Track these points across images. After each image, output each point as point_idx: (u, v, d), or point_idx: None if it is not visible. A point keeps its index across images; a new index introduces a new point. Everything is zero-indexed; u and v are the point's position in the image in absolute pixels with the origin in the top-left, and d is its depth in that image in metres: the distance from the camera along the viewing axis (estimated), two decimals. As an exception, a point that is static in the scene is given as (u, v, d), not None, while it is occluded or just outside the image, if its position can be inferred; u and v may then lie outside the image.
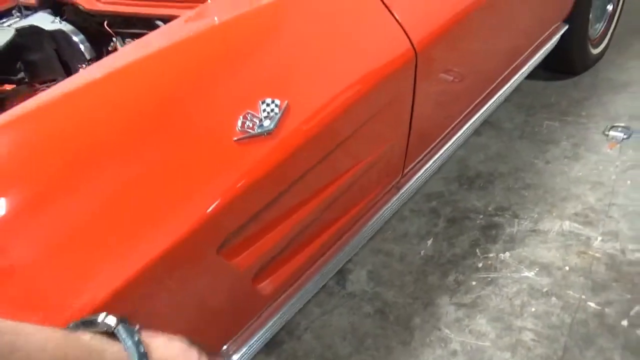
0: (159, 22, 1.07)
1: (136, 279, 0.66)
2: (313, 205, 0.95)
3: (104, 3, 1.20)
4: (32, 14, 1.48)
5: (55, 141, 0.72)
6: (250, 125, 0.76)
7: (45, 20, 1.28)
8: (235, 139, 0.75)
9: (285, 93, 0.81)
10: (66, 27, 1.22)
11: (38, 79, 1.37)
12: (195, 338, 0.77)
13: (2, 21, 1.62)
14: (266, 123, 0.77)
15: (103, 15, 1.20)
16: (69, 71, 1.30)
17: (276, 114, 0.79)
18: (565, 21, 1.83)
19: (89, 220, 0.67)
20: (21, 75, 1.35)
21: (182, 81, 0.79)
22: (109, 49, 1.22)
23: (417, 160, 1.31)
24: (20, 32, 1.26)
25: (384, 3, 1.02)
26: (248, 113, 0.77)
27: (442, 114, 1.33)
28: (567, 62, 2.05)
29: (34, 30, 1.26)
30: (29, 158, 0.71)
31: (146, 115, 0.74)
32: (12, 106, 1.26)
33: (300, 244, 1.01)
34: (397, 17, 1.02)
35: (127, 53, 0.92)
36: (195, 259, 0.74)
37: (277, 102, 0.79)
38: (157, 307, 0.77)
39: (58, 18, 1.26)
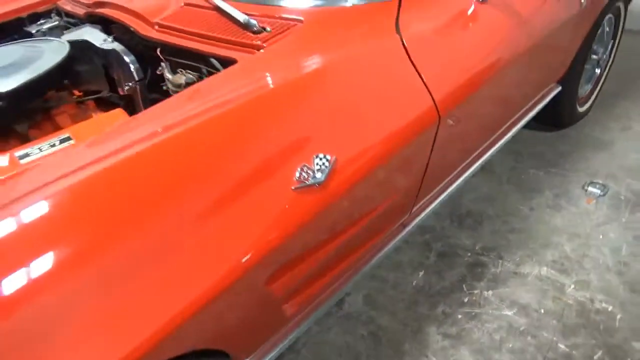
0: (213, 60, 1.18)
1: (201, 311, 0.77)
2: (338, 241, 1.08)
3: (159, 32, 1.29)
4: (78, 24, 1.56)
5: (131, 186, 0.82)
6: (306, 176, 0.88)
7: (96, 37, 1.36)
8: (293, 188, 0.87)
9: (333, 149, 0.94)
10: (118, 47, 1.31)
11: (80, 88, 1.46)
12: (223, 349, 0.89)
13: (40, 22, 1.70)
14: (318, 175, 0.90)
15: (156, 42, 1.29)
16: (113, 86, 1.39)
17: (326, 167, 0.91)
18: (559, 82, 2.03)
19: (165, 255, 0.77)
20: (65, 82, 1.43)
21: (250, 136, 0.90)
22: (157, 73, 1.31)
23: (423, 201, 1.46)
24: (72, 44, 1.34)
25: (418, 73, 1.16)
26: (304, 166, 0.89)
27: (452, 161, 1.48)
28: (556, 117, 2.24)
29: (86, 45, 1.35)
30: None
31: (218, 164, 0.85)
32: (56, 114, 1.34)
33: (320, 273, 1.14)
34: (427, 85, 1.17)
35: (194, 101, 1.00)
36: (248, 290, 0.86)
37: (328, 157, 0.92)
38: (203, 325, 0.88)
39: (111, 37, 1.34)
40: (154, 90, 1.35)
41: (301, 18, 1.19)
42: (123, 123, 1.04)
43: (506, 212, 1.90)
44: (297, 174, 0.88)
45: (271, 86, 1.00)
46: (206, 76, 1.22)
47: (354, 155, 0.98)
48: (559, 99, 2.05)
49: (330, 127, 0.98)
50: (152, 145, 0.86)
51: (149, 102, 1.33)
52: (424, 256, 1.76)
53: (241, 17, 1.20)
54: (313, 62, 1.08)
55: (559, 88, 2.02)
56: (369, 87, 1.09)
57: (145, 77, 1.33)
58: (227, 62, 1.14)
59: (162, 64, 1.31)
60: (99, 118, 1.30)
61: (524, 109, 1.83)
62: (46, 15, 1.72)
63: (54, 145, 1.15)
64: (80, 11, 1.57)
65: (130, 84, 1.32)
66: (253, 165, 0.88)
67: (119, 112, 1.29)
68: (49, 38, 1.38)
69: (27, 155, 1.12)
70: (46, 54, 1.27)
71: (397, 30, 1.20)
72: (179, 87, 1.22)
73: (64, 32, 1.49)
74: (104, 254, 0.74)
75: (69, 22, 1.62)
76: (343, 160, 0.95)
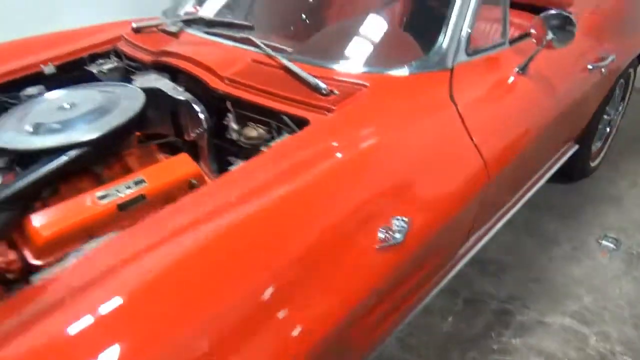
0: (285, 118, 1.27)
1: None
2: (404, 288, 1.17)
3: (229, 86, 1.39)
4: (140, 68, 1.65)
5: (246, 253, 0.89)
6: (388, 237, 0.97)
7: (167, 86, 1.45)
8: (377, 247, 0.96)
9: (407, 210, 1.04)
10: (189, 96, 1.40)
11: (147, 131, 1.53)
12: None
13: (99, 62, 1.79)
14: (397, 236, 0.99)
15: (226, 95, 1.38)
16: (180, 132, 1.48)
17: (404, 228, 1.00)
18: (576, 141, 2.17)
19: (262, 314, 0.84)
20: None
21: (337, 199, 0.99)
22: (224, 123, 1.40)
23: (460, 252, 1.55)
24: (144, 91, 1.42)
25: (470, 138, 1.27)
26: (386, 227, 0.98)
27: (487, 217, 1.59)
28: (570, 171, 2.38)
29: (157, 92, 1.43)
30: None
31: (309, 226, 0.94)
32: (125, 155, 1.41)
33: (385, 318, 1.21)
34: (478, 149, 1.28)
35: (280, 162, 1.07)
36: (337, 337, 0.93)
37: (405, 219, 1.01)
38: None
39: (183, 88, 1.43)
40: (216, 137, 1.43)
41: (367, 83, 1.30)
42: (213, 185, 1.10)
43: (526, 261, 2.01)
44: (381, 235, 0.97)
45: (349, 150, 1.10)
46: (275, 131, 1.31)
47: (424, 216, 1.08)
48: (575, 155, 2.19)
49: (404, 189, 1.08)
50: (253, 210, 0.94)
51: (213, 148, 1.41)
52: (452, 302, 1.84)
53: (310, 79, 1.30)
54: (384, 127, 1.18)
55: (576, 146, 2.16)
56: (433, 152, 1.20)
57: (215, 126, 1.41)
58: (299, 121, 1.23)
59: (229, 115, 1.40)
60: (168, 162, 1.37)
61: (547, 166, 1.96)
62: (105, 55, 1.81)
63: (129, 187, 1.22)
64: (142, 55, 1.66)
65: (198, 130, 1.40)
66: (340, 226, 0.96)
67: (185, 157, 1.37)
68: (123, 84, 1.46)
69: (106, 196, 1.19)
70: (124, 100, 1.34)
71: (452, 99, 1.31)
72: (250, 139, 1.31)
73: (131, 76, 1.57)
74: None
75: (130, 66, 1.71)
76: (416, 220, 1.05)
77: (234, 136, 1.39)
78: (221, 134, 1.43)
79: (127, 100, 1.35)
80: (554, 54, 1.56)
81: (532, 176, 1.83)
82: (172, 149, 1.51)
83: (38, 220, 1.12)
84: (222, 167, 1.42)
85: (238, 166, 1.09)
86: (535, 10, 2.10)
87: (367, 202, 1.01)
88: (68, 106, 1.31)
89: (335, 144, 1.11)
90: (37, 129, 1.25)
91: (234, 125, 1.39)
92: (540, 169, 1.89)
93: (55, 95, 1.43)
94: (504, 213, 1.74)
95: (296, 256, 0.90)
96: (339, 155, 1.09)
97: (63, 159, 1.18)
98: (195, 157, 1.40)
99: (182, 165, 1.32)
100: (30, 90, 1.58)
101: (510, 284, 1.91)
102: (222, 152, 1.43)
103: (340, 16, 1.85)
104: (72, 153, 1.19)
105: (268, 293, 0.85)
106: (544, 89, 1.61)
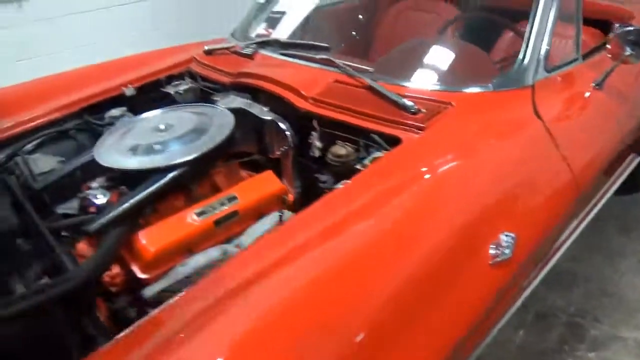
0: (375, 136, 1.30)
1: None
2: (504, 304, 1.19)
3: (313, 105, 1.43)
4: (218, 89, 1.71)
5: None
6: (499, 252, 1.00)
7: (253, 106, 1.50)
8: (491, 262, 0.99)
9: (513, 227, 1.06)
10: (275, 116, 1.45)
11: (232, 150, 1.58)
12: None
13: (175, 83, 1.85)
14: (507, 251, 1.01)
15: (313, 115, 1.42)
16: (263, 149, 1.53)
17: (512, 243, 1.03)
18: (637, 153, 2.16)
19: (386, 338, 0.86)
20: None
21: (446, 216, 1.02)
22: (309, 142, 1.44)
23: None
24: (231, 111, 1.47)
25: (560, 152, 1.29)
26: (496, 243, 1.01)
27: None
28: (632, 182, 2.36)
29: (243, 112, 1.49)
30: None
31: (424, 245, 0.97)
32: (214, 173, 1.46)
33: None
34: (568, 163, 1.30)
35: (385, 180, 1.10)
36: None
37: (512, 234, 1.04)
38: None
39: (268, 109, 1.48)
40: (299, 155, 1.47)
41: (452, 102, 1.33)
42: (318, 206, 1.08)
43: (594, 274, 2.00)
44: (492, 251, 0.99)
45: (448, 168, 1.13)
46: (363, 149, 1.34)
47: (528, 230, 1.10)
48: (638, 166, 2.18)
49: (507, 205, 1.10)
50: (360, 237, 0.95)
51: (297, 165, 1.45)
52: (522, 316, 1.84)
53: (398, 98, 1.34)
54: (478, 144, 1.21)
55: (639, 158, 2.15)
56: (527, 167, 1.22)
57: (300, 144, 1.45)
58: (390, 140, 1.27)
59: (313, 133, 1.44)
60: (255, 179, 1.42)
61: (614, 178, 1.96)
62: (179, 77, 1.88)
63: (223, 204, 1.27)
64: (218, 77, 1.72)
65: (283, 148, 1.45)
66: (451, 247, 0.98)
67: (270, 174, 1.41)
68: (212, 105, 1.51)
69: (203, 213, 1.24)
70: (216, 121, 1.40)
71: (537, 115, 1.34)
72: (339, 157, 1.34)
73: (212, 97, 1.63)
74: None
75: (207, 87, 1.77)
76: (521, 235, 1.07)
77: (317, 153, 1.43)
78: (302, 152, 1.47)
79: (219, 121, 1.40)
80: (623, 67, 1.57)
81: (604, 187, 1.83)
82: (252, 166, 1.57)
83: (145, 236, 1.17)
84: (304, 183, 1.47)
85: (343, 186, 1.12)
86: (594, 23, 2.12)
87: (473, 220, 1.04)
88: (164, 127, 1.37)
89: (434, 161, 1.14)
90: (139, 150, 1.31)
91: (318, 143, 1.43)
92: (611, 179, 1.88)
93: (150, 116, 1.50)
94: (577, 225, 1.74)
95: (409, 281, 0.92)
96: (438, 173, 1.12)
97: (166, 179, 1.24)
98: (278, 174, 1.45)
99: (268, 182, 1.37)
100: (114, 112, 1.65)
101: (580, 297, 1.90)
102: (305, 169, 1.47)
103: (413, 35, 1.90)
104: (174, 173, 1.25)
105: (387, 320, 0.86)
106: (618, 102, 1.62)
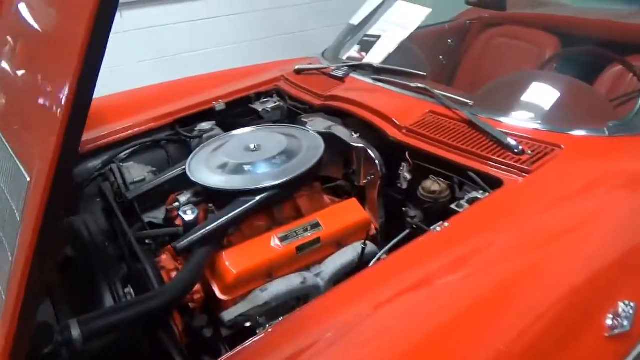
0: (473, 175, 1.22)
1: None
2: None
3: (406, 136, 1.37)
4: (306, 110, 1.69)
5: None
6: (616, 324, 0.89)
7: (342, 132, 1.46)
8: (606, 334, 0.88)
9: (633, 295, 0.94)
10: (364, 143, 1.40)
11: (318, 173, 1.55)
12: None
13: (263, 100, 1.87)
14: (625, 323, 0.90)
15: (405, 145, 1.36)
16: (348, 176, 1.49)
17: (631, 314, 0.91)
18: None
19: None
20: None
21: (558, 289, 0.92)
22: (398, 173, 1.38)
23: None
24: (321, 135, 1.45)
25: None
26: (614, 313, 0.90)
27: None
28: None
29: (332, 136, 1.45)
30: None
31: (537, 303, 0.88)
32: (297, 197, 1.43)
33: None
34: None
35: (486, 229, 1.03)
36: None
37: (632, 304, 0.92)
38: None
39: (357, 135, 1.44)
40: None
41: (561, 144, 1.23)
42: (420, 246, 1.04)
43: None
44: (610, 322, 0.89)
45: (562, 220, 1.03)
46: (457, 186, 1.27)
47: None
48: None
49: (626, 267, 0.99)
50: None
51: (383, 195, 1.40)
52: None
53: (501, 136, 1.25)
54: (591, 195, 1.10)
55: None
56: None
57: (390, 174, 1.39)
58: (490, 180, 1.18)
59: (403, 164, 1.38)
60: (339, 207, 1.37)
61: None
62: (267, 94, 1.89)
63: (307, 230, 1.25)
64: (308, 97, 1.70)
65: (370, 177, 1.40)
66: (561, 316, 0.88)
67: (354, 203, 1.37)
68: (303, 128, 1.50)
69: (286, 237, 1.22)
70: (305, 145, 1.38)
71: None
72: (431, 193, 1.27)
73: (301, 118, 1.61)
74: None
75: (295, 106, 1.76)
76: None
77: (404, 185, 1.37)
78: (389, 182, 1.42)
79: (309, 144, 1.38)
80: None
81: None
82: (334, 191, 1.53)
83: (229, 258, 1.16)
84: (387, 215, 1.41)
85: (440, 229, 1.05)
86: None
87: (589, 284, 0.93)
88: (254, 148, 1.37)
89: (543, 212, 1.05)
90: (228, 168, 1.32)
91: (408, 175, 1.37)
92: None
93: (241, 134, 1.50)
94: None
95: (514, 344, 0.83)
96: (548, 225, 1.02)
97: (254, 201, 1.22)
98: (362, 202, 1.40)
99: (352, 211, 1.33)
100: (204, 125, 1.68)
101: None
102: (390, 201, 1.42)
103: (505, 65, 1.80)
104: (262, 196, 1.23)
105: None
106: None
